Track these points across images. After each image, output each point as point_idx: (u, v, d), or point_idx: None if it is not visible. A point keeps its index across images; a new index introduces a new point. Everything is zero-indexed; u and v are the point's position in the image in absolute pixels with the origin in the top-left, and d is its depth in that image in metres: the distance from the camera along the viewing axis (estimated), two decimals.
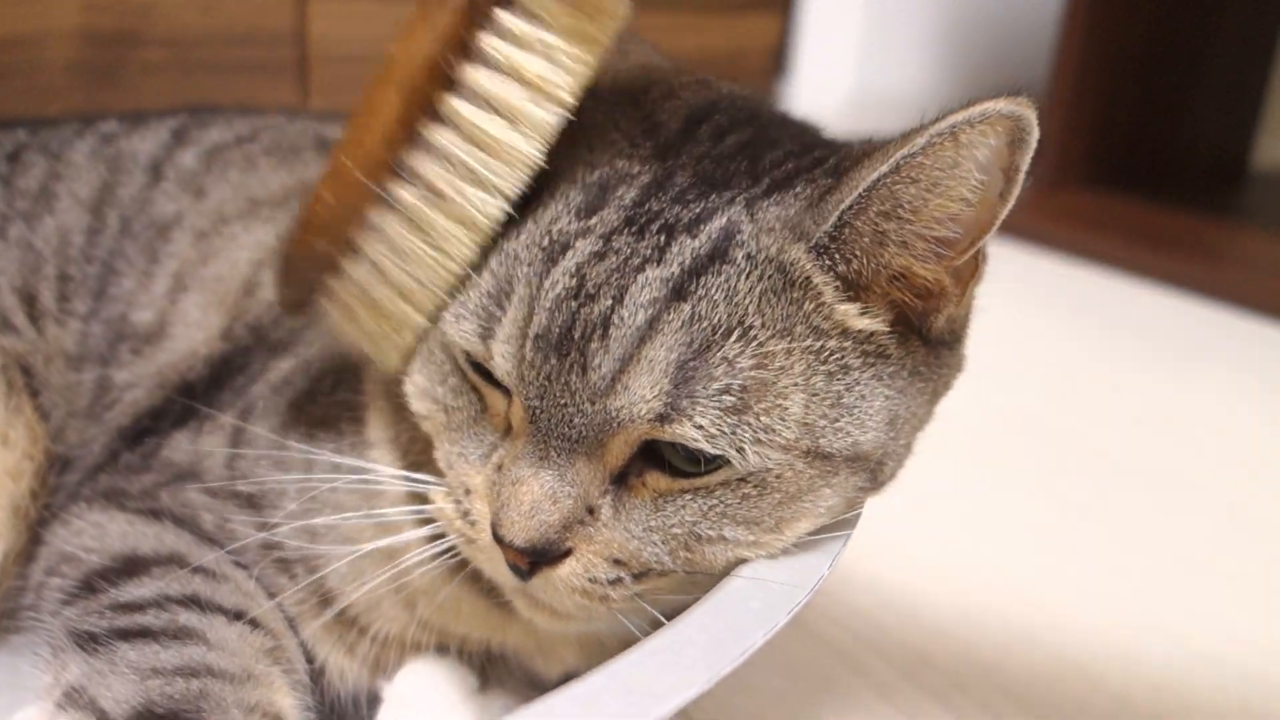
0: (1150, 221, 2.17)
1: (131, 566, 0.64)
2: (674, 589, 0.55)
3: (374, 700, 0.69)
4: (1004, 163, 0.49)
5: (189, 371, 0.77)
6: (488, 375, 0.55)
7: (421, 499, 0.61)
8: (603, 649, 0.67)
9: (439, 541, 0.59)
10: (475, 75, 0.50)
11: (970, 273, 0.55)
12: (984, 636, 0.89)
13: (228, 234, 0.83)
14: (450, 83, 0.50)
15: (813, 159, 0.57)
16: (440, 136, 0.51)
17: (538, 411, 0.52)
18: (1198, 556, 1.06)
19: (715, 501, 0.52)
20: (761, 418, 0.50)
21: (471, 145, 0.50)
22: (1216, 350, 1.72)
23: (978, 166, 0.49)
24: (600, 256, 0.51)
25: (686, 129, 0.59)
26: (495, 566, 0.56)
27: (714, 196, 0.54)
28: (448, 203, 0.51)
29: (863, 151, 0.55)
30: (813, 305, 0.52)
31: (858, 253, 0.51)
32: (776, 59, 2.39)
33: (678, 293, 0.50)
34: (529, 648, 0.68)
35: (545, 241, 0.52)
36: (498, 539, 0.52)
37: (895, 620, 0.90)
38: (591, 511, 0.53)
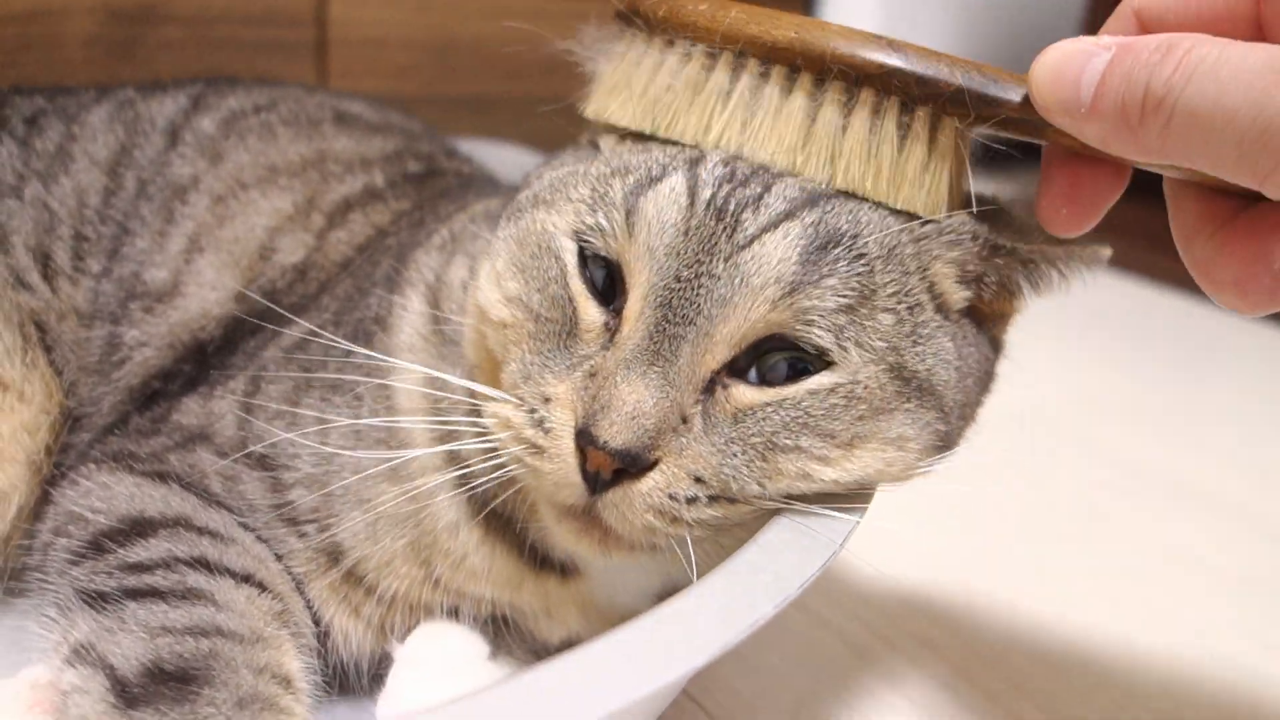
0: (1165, 225, 2.16)
1: (139, 528, 0.64)
2: (737, 522, 0.56)
3: (377, 665, 0.69)
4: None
5: (200, 331, 0.78)
6: (593, 287, 0.58)
7: (450, 449, 0.62)
8: (602, 616, 0.68)
9: (475, 464, 0.59)
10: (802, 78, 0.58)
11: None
12: (992, 627, 0.89)
13: (245, 199, 0.83)
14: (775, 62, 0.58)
15: None
16: (750, 69, 0.58)
17: (676, 284, 0.54)
18: (1210, 557, 1.06)
19: (799, 413, 0.54)
20: (865, 322, 0.54)
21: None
22: (1230, 354, 1.72)
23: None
24: (731, 162, 0.57)
25: None
26: (564, 476, 0.54)
27: None
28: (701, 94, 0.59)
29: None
30: (913, 250, 0.57)
31: (985, 282, 0.60)
32: None
33: (810, 201, 0.55)
34: (537, 608, 0.68)
35: (684, 151, 0.58)
36: (589, 440, 0.52)
37: (903, 609, 0.90)
38: (685, 420, 0.53)
